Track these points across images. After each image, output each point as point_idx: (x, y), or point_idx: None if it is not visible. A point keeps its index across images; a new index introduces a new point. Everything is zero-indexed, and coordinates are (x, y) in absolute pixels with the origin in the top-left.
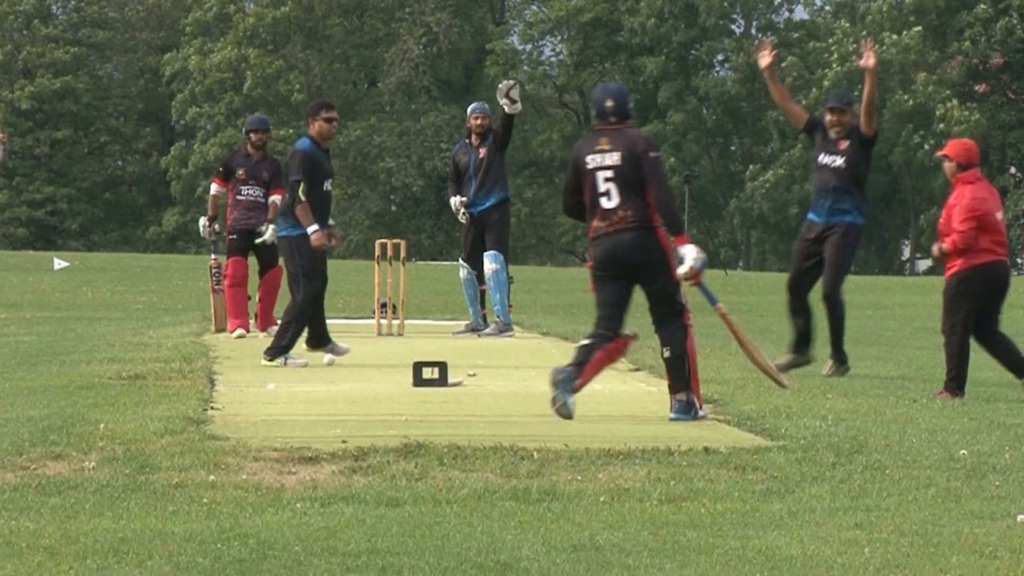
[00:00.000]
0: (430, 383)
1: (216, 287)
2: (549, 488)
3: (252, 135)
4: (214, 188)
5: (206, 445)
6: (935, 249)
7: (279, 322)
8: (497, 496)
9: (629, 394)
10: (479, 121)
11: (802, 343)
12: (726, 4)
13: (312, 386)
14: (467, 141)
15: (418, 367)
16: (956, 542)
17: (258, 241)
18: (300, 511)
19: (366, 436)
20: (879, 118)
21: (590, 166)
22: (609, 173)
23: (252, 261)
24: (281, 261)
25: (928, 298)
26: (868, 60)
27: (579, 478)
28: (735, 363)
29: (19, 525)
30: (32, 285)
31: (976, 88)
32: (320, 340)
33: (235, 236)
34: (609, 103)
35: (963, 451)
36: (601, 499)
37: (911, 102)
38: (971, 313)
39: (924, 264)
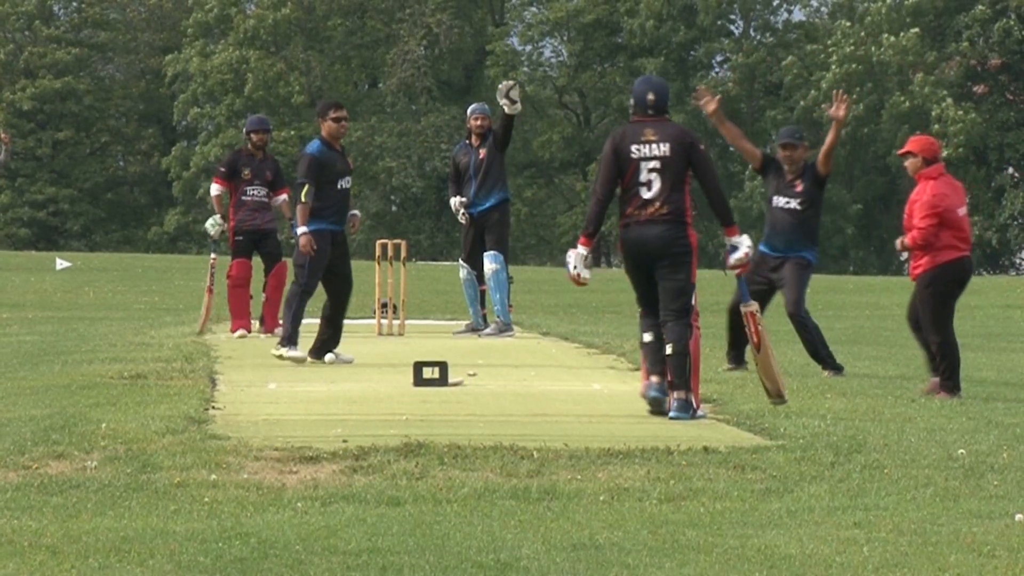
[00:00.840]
0: (430, 383)
1: (212, 287)
2: (549, 487)
3: (253, 135)
4: (216, 188)
5: (207, 444)
6: (898, 244)
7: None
8: (497, 495)
9: (629, 394)
10: (479, 122)
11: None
12: (724, 5)
13: (313, 386)
14: (467, 142)
15: (418, 367)
16: (954, 541)
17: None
18: (301, 510)
19: (367, 436)
20: (872, 124)
21: (635, 156)
22: (655, 164)
23: (255, 261)
24: (287, 260)
25: None
26: (839, 111)
27: (579, 477)
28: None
29: (21, 524)
30: (34, 285)
31: (974, 89)
32: (325, 348)
33: (241, 237)
34: (651, 96)
35: (961, 450)
36: (601, 498)
37: (907, 103)
38: (950, 309)
39: None
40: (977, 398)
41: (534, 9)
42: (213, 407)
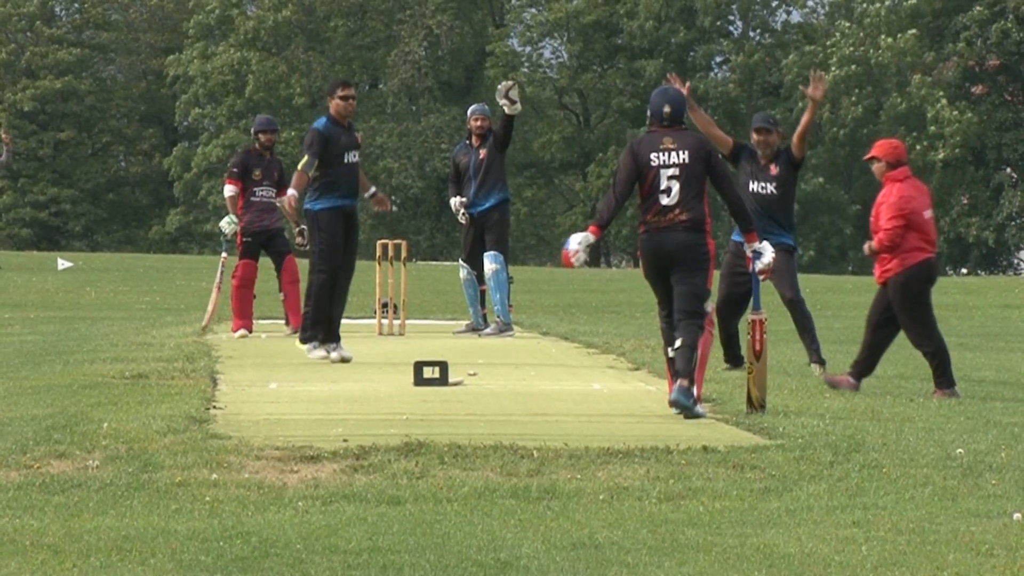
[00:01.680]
0: (431, 382)
1: (220, 284)
2: (549, 486)
3: (261, 136)
4: (231, 189)
5: (208, 444)
6: (866, 249)
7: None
8: (497, 494)
9: (629, 393)
10: (479, 123)
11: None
12: (722, 6)
13: (314, 385)
14: (467, 142)
15: (419, 366)
16: (953, 540)
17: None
18: (302, 509)
19: (367, 435)
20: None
21: (654, 163)
22: (675, 171)
23: (265, 263)
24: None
25: None
26: (816, 91)
27: (578, 476)
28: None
29: (23, 523)
30: (36, 285)
31: (973, 90)
32: (328, 336)
33: (249, 238)
34: (667, 108)
35: (960, 450)
36: (600, 497)
37: (904, 105)
38: (928, 307)
39: None
40: (975, 397)
41: (534, 10)
42: (214, 406)
